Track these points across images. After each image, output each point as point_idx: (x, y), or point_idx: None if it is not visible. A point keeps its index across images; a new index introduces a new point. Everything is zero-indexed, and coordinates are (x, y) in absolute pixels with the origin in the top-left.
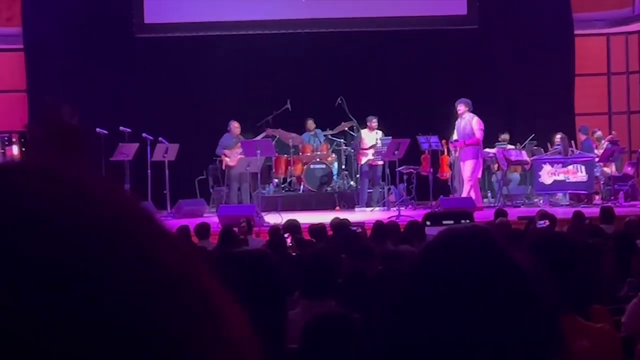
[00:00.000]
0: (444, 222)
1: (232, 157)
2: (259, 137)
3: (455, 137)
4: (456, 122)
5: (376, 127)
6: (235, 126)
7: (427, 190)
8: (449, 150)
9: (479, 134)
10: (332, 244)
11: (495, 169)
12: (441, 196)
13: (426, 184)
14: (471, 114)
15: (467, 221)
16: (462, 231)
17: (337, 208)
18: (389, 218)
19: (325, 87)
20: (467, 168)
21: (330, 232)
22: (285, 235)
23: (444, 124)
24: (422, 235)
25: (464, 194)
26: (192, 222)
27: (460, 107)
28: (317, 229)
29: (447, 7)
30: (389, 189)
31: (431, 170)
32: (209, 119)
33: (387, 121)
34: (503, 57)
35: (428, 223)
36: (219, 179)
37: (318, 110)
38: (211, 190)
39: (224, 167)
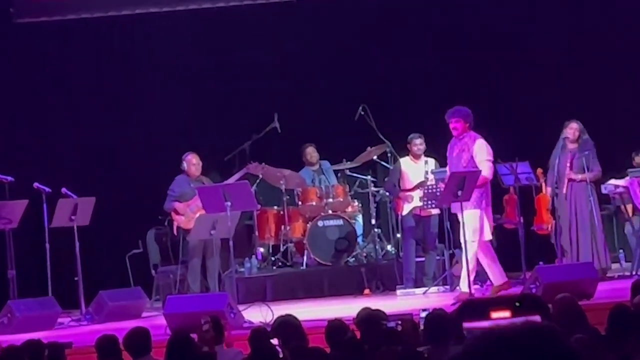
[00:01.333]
0: (494, 314)
1: (189, 214)
2: (232, 179)
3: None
4: (448, 146)
5: (423, 151)
6: (193, 162)
7: (516, 254)
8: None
9: (487, 170)
10: (357, 354)
11: (630, 213)
12: (540, 263)
13: (514, 243)
14: (473, 134)
15: (536, 317)
16: (511, 336)
17: (367, 291)
18: (453, 304)
19: (337, 91)
20: (466, 224)
21: (354, 333)
22: (275, 341)
23: (539, 143)
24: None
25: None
26: (122, 328)
27: (456, 123)
28: (333, 331)
29: None
30: (452, 255)
31: (521, 220)
32: (146, 151)
33: (442, 142)
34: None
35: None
36: (169, 253)
37: (325, 129)
38: (153, 272)
39: (175, 232)
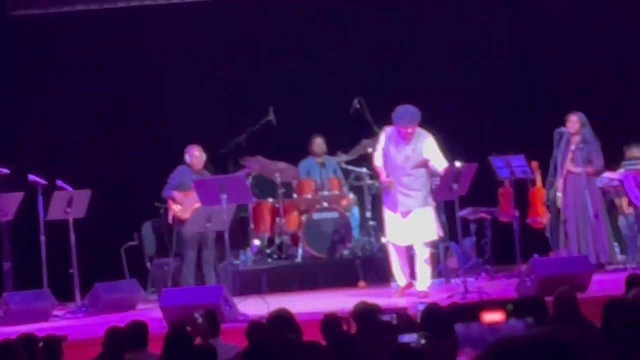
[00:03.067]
0: (487, 317)
1: (186, 204)
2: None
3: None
4: (388, 144)
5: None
6: (195, 154)
7: (510, 248)
8: (544, 179)
9: (442, 168)
10: (350, 348)
11: (624, 206)
12: (535, 255)
13: (509, 236)
14: (419, 131)
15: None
16: (528, 348)
17: (362, 284)
18: (449, 297)
19: (333, 83)
20: (419, 223)
21: (350, 327)
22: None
23: (534, 134)
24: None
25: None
26: (117, 320)
27: (413, 129)
28: (328, 324)
29: None
30: (447, 248)
31: (516, 212)
32: (142, 144)
33: (437, 135)
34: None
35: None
36: (164, 245)
37: (320, 121)
38: (149, 264)
39: (170, 221)
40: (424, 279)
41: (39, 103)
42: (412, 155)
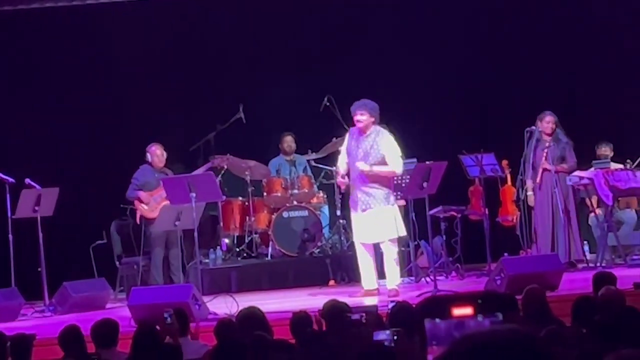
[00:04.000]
0: (456, 311)
1: (152, 204)
2: (198, 172)
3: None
4: (348, 141)
5: None
6: (157, 153)
7: (481, 246)
8: (514, 177)
9: (399, 167)
10: (322, 346)
11: (594, 204)
12: (505, 254)
13: (479, 234)
14: (379, 129)
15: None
16: (493, 343)
17: (332, 282)
18: (419, 296)
19: (302, 81)
20: (382, 222)
21: (320, 326)
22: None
23: (504, 133)
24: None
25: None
26: (86, 320)
27: (361, 116)
28: (298, 322)
29: None
30: (417, 247)
31: (486, 211)
32: (110, 142)
33: (407, 132)
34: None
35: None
36: (132, 244)
37: (290, 119)
38: (117, 263)
39: (138, 221)
40: (393, 277)
41: (4, 101)
42: (370, 151)
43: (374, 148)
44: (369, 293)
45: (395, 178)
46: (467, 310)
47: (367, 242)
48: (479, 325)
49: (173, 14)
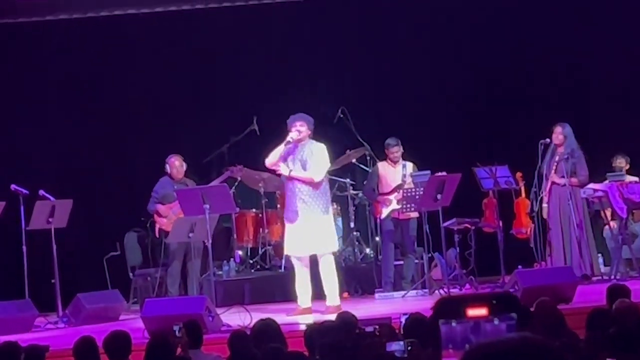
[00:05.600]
0: (471, 312)
1: (171, 216)
2: (214, 183)
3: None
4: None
5: (399, 156)
6: (175, 165)
7: (495, 258)
8: (528, 190)
9: (320, 175)
10: (335, 358)
11: (609, 217)
12: (519, 266)
13: (493, 247)
14: (316, 142)
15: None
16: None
17: (345, 295)
18: (433, 308)
19: (316, 93)
20: (320, 232)
21: (333, 337)
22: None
23: (519, 145)
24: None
25: None
26: (99, 331)
27: (301, 127)
28: (312, 335)
29: None
30: (431, 259)
31: (500, 223)
32: (124, 153)
33: (421, 145)
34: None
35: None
36: (148, 256)
37: None
38: (131, 275)
39: (157, 234)
40: (333, 292)
41: (20, 113)
42: (307, 159)
43: (303, 158)
44: (306, 311)
45: (409, 190)
46: (482, 311)
47: (303, 255)
48: (495, 329)
49: (188, 27)
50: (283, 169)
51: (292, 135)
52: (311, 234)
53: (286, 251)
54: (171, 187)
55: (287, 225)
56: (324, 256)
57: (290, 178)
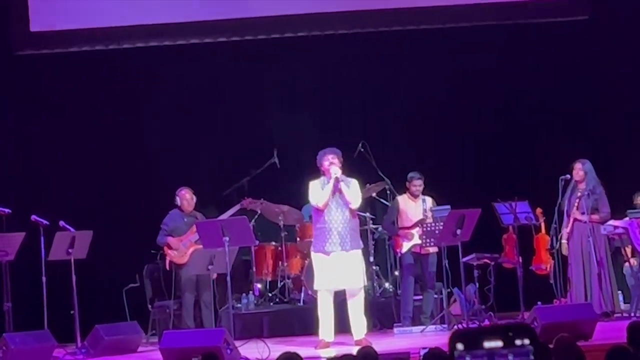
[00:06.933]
0: (487, 344)
1: (181, 249)
2: (226, 214)
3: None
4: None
5: (421, 190)
6: (186, 197)
7: (514, 294)
8: (548, 226)
9: (356, 203)
10: None
11: (629, 254)
12: (538, 302)
13: (513, 282)
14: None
15: (527, 342)
16: None
17: None
18: (449, 341)
19: (336, 126)
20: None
21: None
22: None
23: (539, 180)
24: None
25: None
26: None
27: (338, 161)
28: None
29: None
30: (451, 294)
31: (520, 259)
32: (144, 185)
33: (442, 180)
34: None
35: (459, 346)
36: (163, 288)
37: None
38: (150, 307)
39: (168, 267)
40: (361, 326)
41: (41, 143)
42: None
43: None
44: (327, 344)
45: (428, 225)
46: (498, 343)
47: (338, 288)
48: None
49: (207, 59)
50: (335, 171)
51: (336, 171)
52: (344, 268)
53: (317, 285)
54: (181, 220)
55: (319, 257)
56: (355, 290)
57: (320, 211)
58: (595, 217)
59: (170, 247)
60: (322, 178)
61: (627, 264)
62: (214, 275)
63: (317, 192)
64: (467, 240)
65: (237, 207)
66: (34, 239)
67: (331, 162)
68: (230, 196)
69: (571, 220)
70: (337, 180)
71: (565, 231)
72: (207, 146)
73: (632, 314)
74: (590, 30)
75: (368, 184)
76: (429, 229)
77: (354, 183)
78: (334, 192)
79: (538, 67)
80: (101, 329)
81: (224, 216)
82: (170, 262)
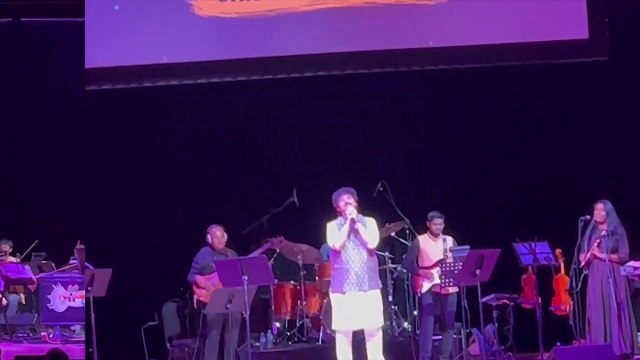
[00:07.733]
0: None
1: (210, 287)
2: (255, 253)
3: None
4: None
5: (442, 229)
6: (217, 235)
7: (533, 335)
8: (567, 266)
9: (373, 242)
10: None
11: None
12: (558, 343)
13: (532, 323)
14: (360, 215)
15: None
16: None
17: None
18: None
19: (356, 166)
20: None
21: None
22: None
23: (558, 221)
24: None
25: None
26: None
27: (355, 201)
28: None
29: (555, 28)
30: (470, 334)
31: (539, 300)
32: (164, 223)
33: (461, 221)
34: None
35: None
36: (186, 326)
37: None
38: (168, 345)
39: (195, 305)
40: None
41: (59, 182)
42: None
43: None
44: None
45: (448, 264)
46: None
47: (356, 328)
48: None
49: (226, 97)
50: (351, 212)
51: (352, 211)
52: (362, 307)
53: (335, 326)
54: (211, 258)
55: (337, 298)
56: (373, 330)
57: (338, 252)
58: (614, 257)
59: (198, 286)
60: (339, 219)
61: None
62: (244, 314)
63: (334, 233)
64: (486, 281)
65: (266, 247)
66: None
67: (347, 203)
68: (250, 235)
69: (588, 254)
70: (352, 221)
71: (582, 265)
72: (228, 185)
73: None
74: (611, 71)
75: (387, 224)
76: (448, 269)
77: (371, 222)
78: (350, 233)
79: (562, 109)
80: None
81: (255, 254)
82: (198, 300)
